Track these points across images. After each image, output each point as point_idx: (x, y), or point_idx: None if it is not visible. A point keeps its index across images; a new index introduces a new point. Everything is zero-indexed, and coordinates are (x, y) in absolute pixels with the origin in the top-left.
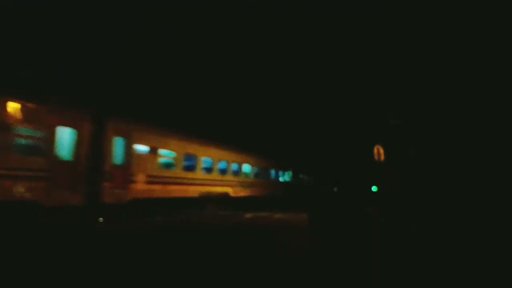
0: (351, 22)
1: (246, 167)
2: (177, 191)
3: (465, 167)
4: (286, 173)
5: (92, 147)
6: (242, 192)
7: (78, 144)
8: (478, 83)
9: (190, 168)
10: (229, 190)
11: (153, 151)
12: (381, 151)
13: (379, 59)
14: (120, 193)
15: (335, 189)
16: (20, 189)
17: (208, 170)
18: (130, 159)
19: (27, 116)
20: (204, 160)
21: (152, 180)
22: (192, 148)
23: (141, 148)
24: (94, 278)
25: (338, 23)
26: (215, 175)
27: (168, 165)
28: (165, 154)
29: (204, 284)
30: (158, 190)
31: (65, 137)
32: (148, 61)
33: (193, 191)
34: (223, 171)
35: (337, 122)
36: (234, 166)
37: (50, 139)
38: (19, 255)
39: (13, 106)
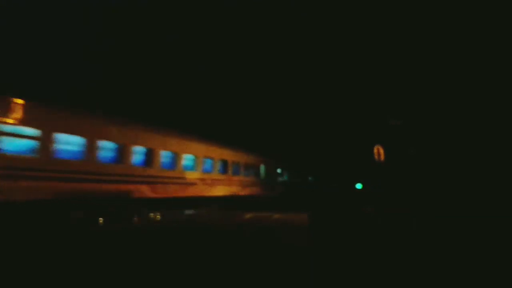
0: (351, 22)
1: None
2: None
3: (465, 167)
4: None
5: None
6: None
7: None
8: (478, 83)
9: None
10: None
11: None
12: (381, 151)
13: (379, 59)
14: None
15: (334, 187)
16: None
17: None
18: None
19: None
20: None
21: None
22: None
23: None
24: (94, 278)
25: (338, 23)
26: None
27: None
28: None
29: (204, 284)
30: None
31: None
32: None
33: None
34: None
35: (337, 122)
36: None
37: None
38: (19, 255)
39: None
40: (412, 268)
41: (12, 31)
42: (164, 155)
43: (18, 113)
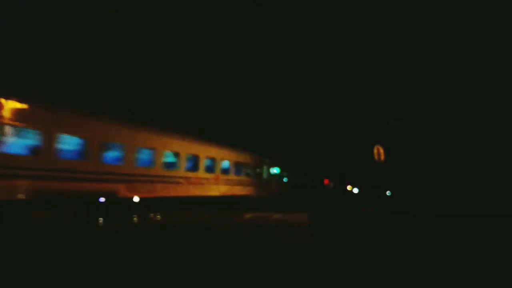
0: (351, 22)
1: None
2: None
3: (465, 167)
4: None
5: None
6: (243, 191)
7: None
8: (478, 83)
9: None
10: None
11: None
12: (381, 151)
13: (379, 59)
14: None
15: (332, 186)
16: None
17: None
18: None
19: None
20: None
21: None
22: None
23: None
24: (94, 278)
25: (339, 23)
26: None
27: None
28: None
29: (204, 284)
30: None
31: None
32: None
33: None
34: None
35: (337, 122)
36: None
37: None
38: (18, 254)
39: None
40: (412, 268)
41: (12, 31)
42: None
43: None
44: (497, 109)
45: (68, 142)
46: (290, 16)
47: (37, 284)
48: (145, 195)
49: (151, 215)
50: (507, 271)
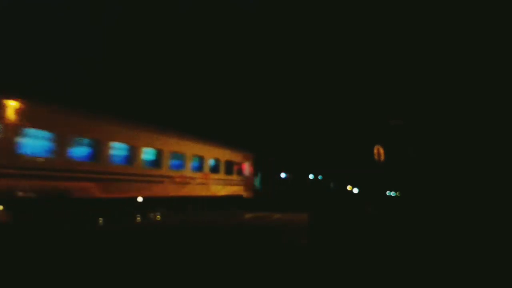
0: (352, 23)
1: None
2: None
3: (465, 167)
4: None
5: None
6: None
7: None
8: (479, 83)
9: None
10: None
11: None
12: (381, 151)
13: (380, 59)
14: None
15: (331, 185)
16: None
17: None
18: None
19: None
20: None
21: None
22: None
23: None
24: (95, 278)
25: (339, 24)
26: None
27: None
28: None
29: (205, 284)
30: None
31: None
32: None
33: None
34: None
35: (337, 122)
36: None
37: None
38: (19, 254)
39: None
40: (412, 268)
41: (13, 31)
42: None
43: None
44: (497, 110)
45: None
46: (290, 16)
47: (38, 284)
48: None
49: (151, 215)
50: (507, 271)
